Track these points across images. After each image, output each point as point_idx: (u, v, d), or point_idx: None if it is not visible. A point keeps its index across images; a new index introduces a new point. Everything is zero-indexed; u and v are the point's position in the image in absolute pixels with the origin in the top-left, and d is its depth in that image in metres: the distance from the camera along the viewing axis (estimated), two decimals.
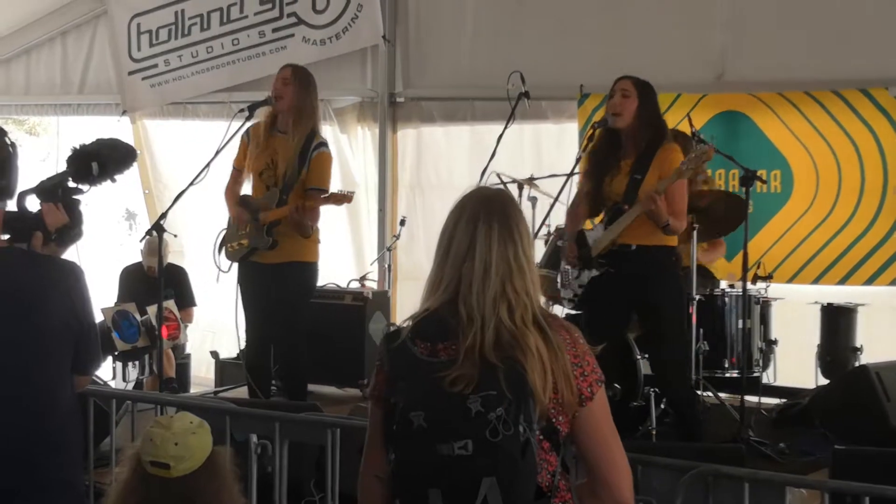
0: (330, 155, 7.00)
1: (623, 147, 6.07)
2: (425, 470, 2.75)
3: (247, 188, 7.10)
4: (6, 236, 3.40)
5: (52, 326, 3.25)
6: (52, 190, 3.53)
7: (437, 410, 2.75)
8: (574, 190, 6.49)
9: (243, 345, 7.33)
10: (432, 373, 2.78)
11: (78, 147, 3.60)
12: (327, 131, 9.30)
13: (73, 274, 3.36)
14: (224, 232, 7.08)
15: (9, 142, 3.25)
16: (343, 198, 6.75)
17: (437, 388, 2.75)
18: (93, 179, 3.58)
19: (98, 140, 3.65)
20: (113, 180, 3.65)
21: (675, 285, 6.14)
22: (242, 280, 7.05)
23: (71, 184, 3.57)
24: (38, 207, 3.50)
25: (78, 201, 3.58)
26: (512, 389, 2.72)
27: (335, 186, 7.15)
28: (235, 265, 7.09)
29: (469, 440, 2.70)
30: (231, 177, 7.11)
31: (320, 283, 7.92)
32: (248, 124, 7.03)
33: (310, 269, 6.99)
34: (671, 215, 5.87)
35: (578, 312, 6.41)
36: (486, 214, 2.90)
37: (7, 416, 3.19)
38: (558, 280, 6.62)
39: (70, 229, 3.52)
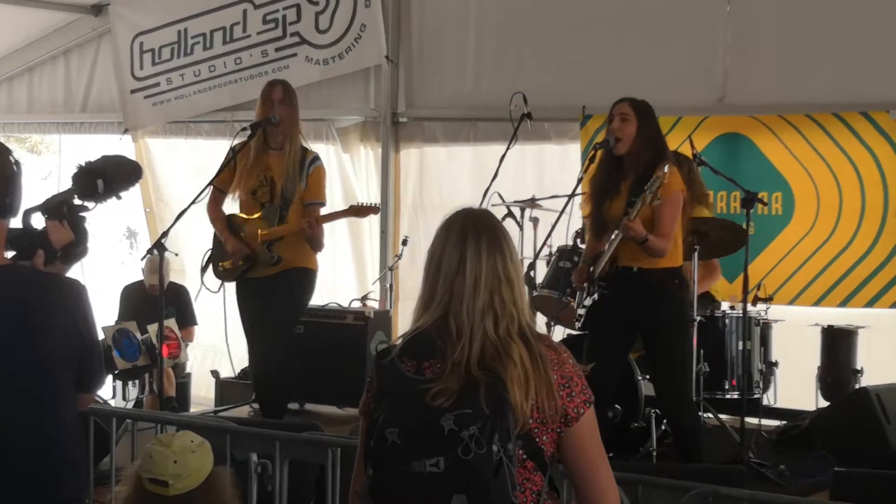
0: (324, 169, 7.01)
1: (624, 170, 6.07)
2: (399, 486, 2.77)
3: (230, 207, 7.07)
4: (10, 254, 3.40)
5: (55, 344, 3.24)
6: (58, 207, 3.54)
7: (411, 427, 2.77)
8: (575, 210, 6.50)
9: (237, 364, 7.25)
10: (414, 390, 2.79)
11: (83, 164, 3.61)
12: (330, 150, 9.32)
13: (75, 291, 3.35)
14: (210, 252, 7.03)
15: (13, 160, 3.25)
16: (369, 210, 6.74)
17: (416, 405, 2.77)
18: (98, 197, 3.59)
19: (104, 157, 3.67)
20: (118, 197, 3.66)
21: (676, 308, 6.09)
22: (242, 299, 6.98)
23: (76, 201, 3.58)
24: (44, 225, 3.51)
25: (83, 218, 3.58)
26: (491, 406, 2.73)
27: (336, 205, 7.14)
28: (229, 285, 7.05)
29: (441, 458, 2.71)
30: (211, 197, 7.01)
31: (322, 302, 7.92)
32: (236, 142, 6.96)
33: (309, 274, 6.91)
34: (657, 235, 5.88)
35: (583, 333, 6.38)
36: (473, 229, 2.93)
37: (13, 434, 3.19)
38: (566, 301, 6.60)
39: (75, 247, 3.52)
